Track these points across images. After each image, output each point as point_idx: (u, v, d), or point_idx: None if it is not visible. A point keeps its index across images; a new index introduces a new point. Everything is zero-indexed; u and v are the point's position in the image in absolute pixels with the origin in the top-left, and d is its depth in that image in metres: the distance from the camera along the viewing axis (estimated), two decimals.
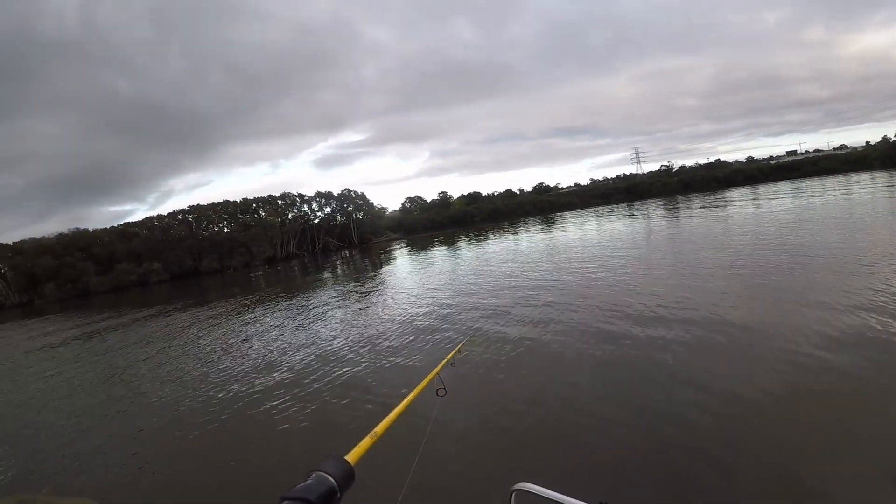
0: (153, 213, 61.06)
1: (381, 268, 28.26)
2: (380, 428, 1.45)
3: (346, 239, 58.19)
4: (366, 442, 1.32)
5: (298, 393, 7.73)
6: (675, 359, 6.92)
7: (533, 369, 7.32)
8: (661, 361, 6.90)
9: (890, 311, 7.60)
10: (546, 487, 1.50)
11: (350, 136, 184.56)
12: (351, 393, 7.37)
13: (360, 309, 14.57)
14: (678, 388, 5.98)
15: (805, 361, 6.25)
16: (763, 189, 46.96)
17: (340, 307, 15.53)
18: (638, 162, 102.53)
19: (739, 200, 37.28)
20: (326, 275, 29.30)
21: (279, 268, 42.61)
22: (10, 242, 49.68)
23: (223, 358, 10.86)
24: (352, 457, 1.15)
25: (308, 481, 0.84)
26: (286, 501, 0.68)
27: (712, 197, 46.14)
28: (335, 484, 0.90)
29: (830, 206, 24.32)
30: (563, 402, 6.05)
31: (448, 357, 3.09)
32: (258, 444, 6.15)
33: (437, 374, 2.52)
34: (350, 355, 9.41)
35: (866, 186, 33.17)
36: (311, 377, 8.45)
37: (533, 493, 1.51)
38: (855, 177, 45.02)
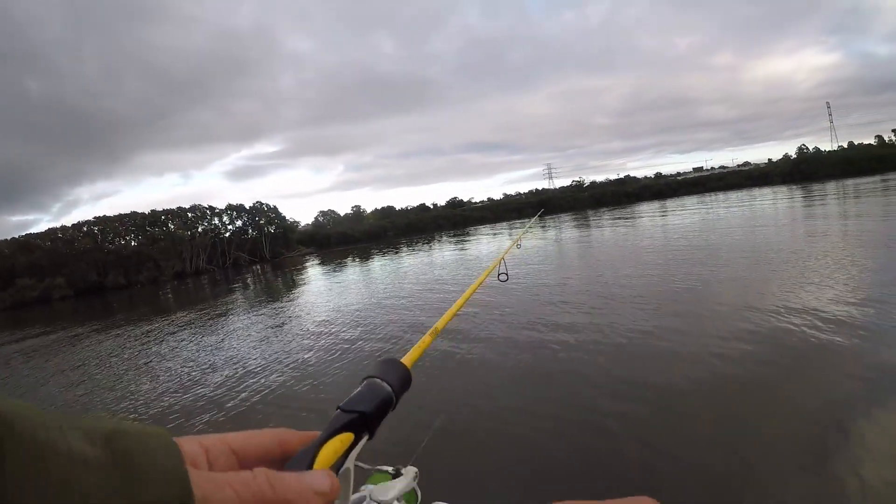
0: (57, 224, 58.54)
1: (294, 284, 27.99)
2: (440, 323, 1.31)
3: (257, 253, 58.63)
4: (424, 341, 1.15)
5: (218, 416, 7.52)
6: (605, 359, 7.28)
7: (464, 382, 7.37)
8: (591, 362, 7.26)
9: (790, 307, 8.54)
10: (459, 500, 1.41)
11: (264, 148, 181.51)
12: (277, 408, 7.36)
13: (274, 327, 14.36)
14: (609, 386, 6.32)
15: (722, 354, 6.84)
16: (670, 203, 49.73)
17: (254, 326, 15.10)
18: (550, 177, 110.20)
19: (648, 214, 39.89)
20: (237, 292, 29.19)
21: (189, 282, 42.59)
22: None
23: (135, 384, 10.32)
24: (408, 359, 0.97)
25: (360, 388, 0.70)
26: (340, 411, 0.57)
27: (621, 210, 49.11)
28: (391, 391, 0.76)
29: (734, 216, 26.76)
30: (502, 409, 6.15)
31: (512, 244, 3.37)
32: None
33: (503, 259, 2.62)
34: (270, 375, 9.19)
35: (767, 199, 36.71)
36: (232, 398, 8.22)
37: None
38: (757, 191, 48.57)
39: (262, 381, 8.84)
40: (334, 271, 31.29)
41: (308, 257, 52.55)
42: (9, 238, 52.63)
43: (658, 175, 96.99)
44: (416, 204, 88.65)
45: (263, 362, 10.25)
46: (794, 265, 12.18)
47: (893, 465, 4.24)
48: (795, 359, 6.55)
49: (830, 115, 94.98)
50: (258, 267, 50.98)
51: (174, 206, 58.05)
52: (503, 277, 2.61)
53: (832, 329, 7.37)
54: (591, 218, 45.63)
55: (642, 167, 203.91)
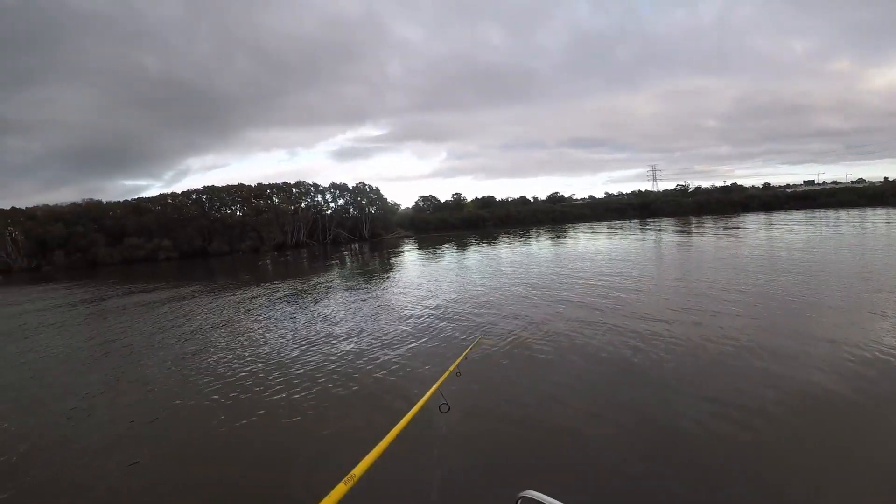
0: (167, 191, 61.86)
1: (390, 264, 27.96)
2: (358, 469, 1.32)
3: (357, 232, 57.97)
4: (338, 490, 1.18)
5: (298, 399, 6.90)
6: (680, 371, 6.97)
7: (541, 377, 7.17)
8: (666, 374, 6.91)
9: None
10: (552, 497, 1.47)
11: (369, 131, 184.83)
12: (351, 405, 6.59)
13: (366, 305, 14.14)
14: (683, 401, 5.97)
15: (807, 382, 6.29)
16: (776, 217, 46.55)
17: (347, 302, 14.96)
18: (654, 179, 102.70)
19: (754, 226, 36.92)
20: (334, 267, 28.98)
21: (288, 255, 42.54)
22: (23, 207, 50.00)
23: (218, 349, 10.10)
24: None
25: None
26: None
27: (725, 220, 45.94)
28: None
29: (846, 239, 23.73)
30: (571, 410, 5.95)
31: (450, 369, 2.93)
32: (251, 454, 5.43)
33: (438, 389, 2.36)
34: (359, 361, 8.58)
35: (881, 221, 32.87)
36: (324, 381, 7.61)
37: (539, 500, 1.50)
38: (870, 211, 44.47)
39: (335, 359, 8.74)
40: (429, 257, 30.31)
41: (405, 240, 51.92)
42: (121, 200, 55.67)
43: (766, 185, 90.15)
44: (516, 196, 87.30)
45: (348, 347, 9.61)
46: None
47: None
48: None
49: None
50: (357, 245, 50.41)
51: (280, 181, 58.83)
52: (444, 408, 2.41)
53: None
54: (694, 225, 42.88)
55: (750, 175, 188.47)
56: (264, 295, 17.85)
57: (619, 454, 4.85)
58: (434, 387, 2.38)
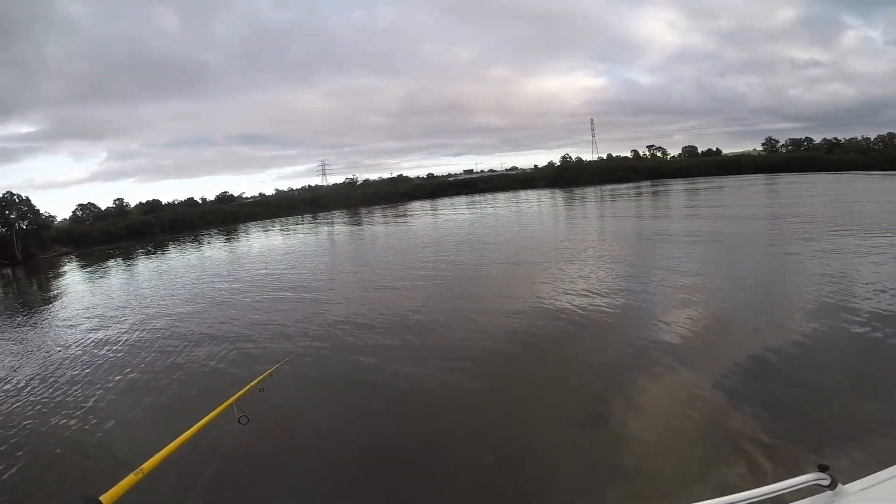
0: None
1: (61, 295, 23.71)
2: (148, 464, 1.32)
3: (8, 255, 49.49)
4: (129, 479, 1.18)
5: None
6: (371, 369, 8.03)
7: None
8: (360, 372, 7.98)
9: (561, 288, 11.06)
10: None
11: (18, 127, 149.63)
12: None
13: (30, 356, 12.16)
14: (377, 394, 7.10)
15: (488, 340, 8.28)
16: (441, 202, 53.16)
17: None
18: (324, 174, 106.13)
19: (419, 212, 42.92)
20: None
21: None
22: None
23: None
24: (109, 496, 1.03)
25: None
26: None
27: (394, 210, 51.12)
28: None
29: (502, 214, 31.23)
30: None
31: (253, 383, 3.09)
32: None
33: (237, 402, 2.47)
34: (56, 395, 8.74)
35: (532, 200, 42.18)
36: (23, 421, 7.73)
37: None
38: (523, 193, 53.72)
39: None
40: (97, 276, 28.90)
41: (65, 258, 47.70)
42: None
43: (430, 175, 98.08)
44: (183, 198, 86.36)
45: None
46: (559, 255, 15.80)
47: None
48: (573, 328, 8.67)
49: (593, 129, 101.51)
50: (9, 271, 43.85)
51: None
52: (244, 420, 2.48)
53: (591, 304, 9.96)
54: (364, 215, 48.46)
55: (415, 167, 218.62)
56: None
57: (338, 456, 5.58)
58: (233, 398, 2.42)
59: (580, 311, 9.81)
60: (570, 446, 5.35)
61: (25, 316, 18.49)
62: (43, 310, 19.72)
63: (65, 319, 16.37)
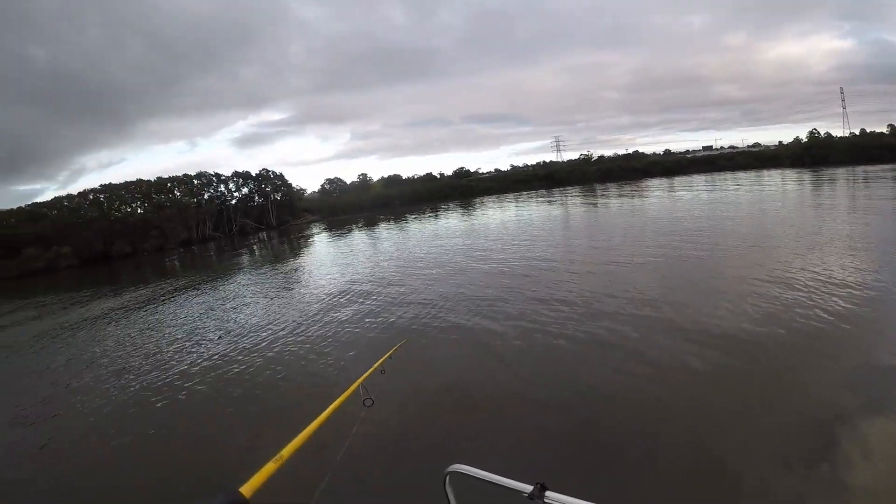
0: (63, 193, 57.54)
1: (299, 251, 28.58)
2: (287, 450, 1.35)
3: (263, 220, 58.06)
4: (268, 468, 1.21)
5: (211, 395, 7.68)
6: (606, 341, 7.50)
7: (468, 356, 7.70)
8: (592, 345, 7.43)
9: (796, 285, 9.13)
10: (479, 468, 1.48)
11: (271, 115, 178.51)
12: (267, 397, 7.34)
13: (278, 298, 14.45)
14: (608, 370, 6.50)
15: (723, 337, 7.13)
16: (679, 180, 49.43)
17: (259, 295, 15.37)
18: (558, 150, 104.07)
19: (656, 190, 39.93)
20: (244, 258, 29.52)
21: (195, 250, 42.79)
22: None
23: (134, 354, 10.57)
24: (249, 487, 1.04)
25: None
26: None
27: (630, 186, 48.43)
28: None
29: (744, 197, 26.64)
30: (497, 386, 6.41)
31: (375, 365, 2.96)
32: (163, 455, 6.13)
33: (362, 384, 2.42)
34: (271, 354, 9.24)
35: (776, 182, 36.79)
36: (227, 376, 8.31)
37: (467, 474, 1.51)
38: (766, 173, 47.94)
39: (252, 368, 8.79)
40: (337, 238, 31.25)
41: (313, 225, 52.44)
42: (14, 207, 51.53)
43: (667, 152, 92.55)
44: (423, 173, 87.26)
45: (262, 339, 10.25)
46: (804, 245, 12.60)
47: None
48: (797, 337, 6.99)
49: (843, 100, 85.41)
50: (264, 234, 50.82)
51: (180, 174, 57.33)
52: (368, 402, 2.41)
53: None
54: (599, 192, 45.58)
55: (651, 143, 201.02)
56: (173, 295, 17.85)
57: (549, 426, 5.29)
58: (358, 381, 2.42)
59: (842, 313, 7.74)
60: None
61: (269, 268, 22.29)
62: (285, 262, 23.58)
63: (286, 272, 19.67)
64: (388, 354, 3.37)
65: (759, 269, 10.70)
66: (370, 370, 2.79)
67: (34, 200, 54.50)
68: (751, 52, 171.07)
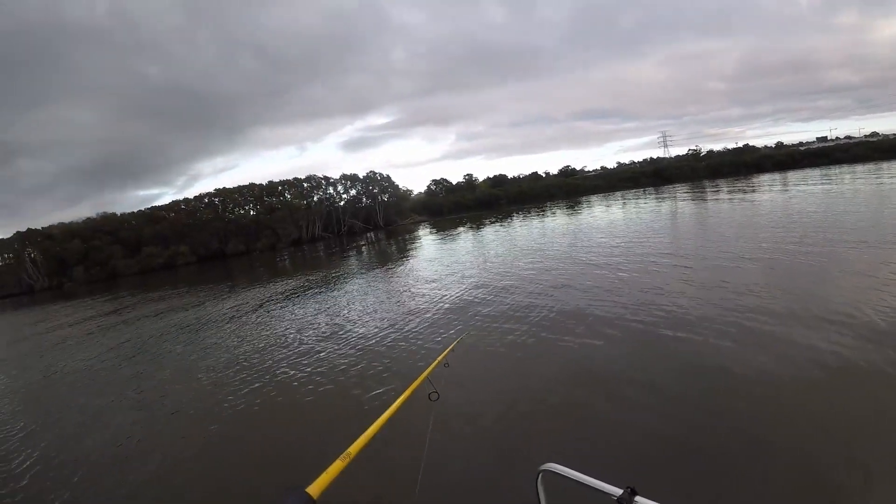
0: (180, 197, 61.77)
1: (406, 251, 27.63)
2: (354, 448, 1.35)
3: (371, 221, 57.63)
4: (336, 466, 1.22)
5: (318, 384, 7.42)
6: (703, 344, 6.80)
7: (555, 354, 7.13)
8: (689, 346, 6.77)
9: None
10: (573, 469, 1.46)
11: (377, 119, 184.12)
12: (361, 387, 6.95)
13: (384, 294, 14.19)
14: (707, 373, 5.88)
15: (836, 349, 6.06)
16: (793, 175, 45.15)
17: (365, 292, 15.10)
18: (665, 146, 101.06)
19: (769, 186, 35.86)
20: (352, 258, 28.75)
21: (305, 249, 42.43)
22: (40, 227, 50.24)
23: (238, 343, 10.73)
24: (316, 487, 1.04)
25: None
26: None
27: (741, 182, 44.56)
28: None
29: (865, 194, 22.24)
30: (587, 386, 5.90)
31: (439, 359, 2.89)
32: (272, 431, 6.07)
33: (427, 378, 2.37)
34: (380, 348, 8.76)
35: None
36: (334, 369, 7.98)
37: (560, 474, 1.48)
38: (886, 165, 42.82)
39: (357, 340, 9.34)
40: (444, 239, 30.40)
41: (420, 225, 51.30)
42: (136, 210, 55.49)
43: (779, 144, 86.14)
44: (528, 172, 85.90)
45: (364, 334, 9.88)
46: None
47: None
48: None
49: None
50: (372, 234, 50.09)
51: (290, 177, 58.47)
52: (434, 397, 2.42)
53: None
54: (709, 189, 41.83)
55: (762, 135, 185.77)
56: (280, 290, 18.02)
57: (642, 429, 4.77)
58: (424, 374, 2.37)
59: None
60: None
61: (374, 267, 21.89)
62: (390, 262, 22.82)
63: (396, 272, 18.57)
64: (451, 346, 3.32)
65: None
66: (434, 363, 2.70)
67: (153, 204, 58.13)
68: (864, 32, 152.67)
